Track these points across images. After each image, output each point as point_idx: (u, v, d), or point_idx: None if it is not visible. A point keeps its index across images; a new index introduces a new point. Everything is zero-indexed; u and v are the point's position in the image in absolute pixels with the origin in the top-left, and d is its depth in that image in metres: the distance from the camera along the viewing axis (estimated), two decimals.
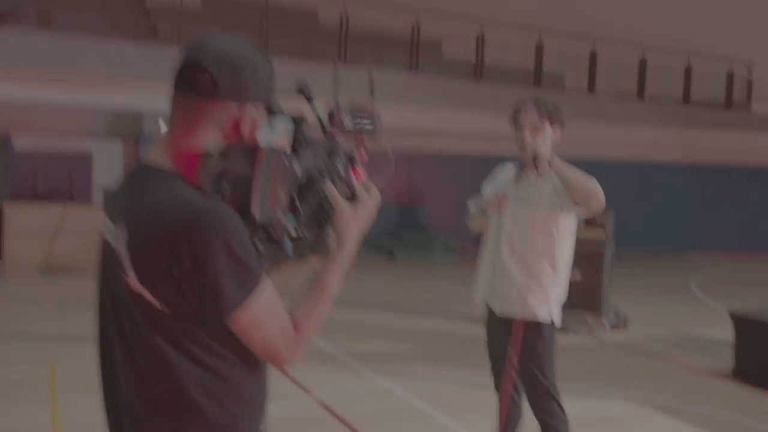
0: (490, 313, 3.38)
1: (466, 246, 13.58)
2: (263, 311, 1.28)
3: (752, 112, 14.21)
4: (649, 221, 15.05)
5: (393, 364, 5.93)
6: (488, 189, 3.46)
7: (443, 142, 14.66)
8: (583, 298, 7.01)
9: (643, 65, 12.87)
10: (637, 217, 14.15)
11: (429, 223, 14.57)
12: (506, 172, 3.43)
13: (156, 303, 1.25)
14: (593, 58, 12.40)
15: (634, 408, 5.05)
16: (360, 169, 1.53)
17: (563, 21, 12.30)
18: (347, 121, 1.51)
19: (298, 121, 1.46)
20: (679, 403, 5.19)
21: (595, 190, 3.04)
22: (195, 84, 1.32)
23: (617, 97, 12.74)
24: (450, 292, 9.68)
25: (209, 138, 1.34)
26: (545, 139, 3.18)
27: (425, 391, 5.19)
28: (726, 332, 7.32)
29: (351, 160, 1.52)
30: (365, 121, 1.55)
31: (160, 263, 1.23)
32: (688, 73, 13.38)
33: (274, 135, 1.46)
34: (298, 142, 1.45)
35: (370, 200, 1.48)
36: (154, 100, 9.53)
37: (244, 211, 1.28)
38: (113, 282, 1.33)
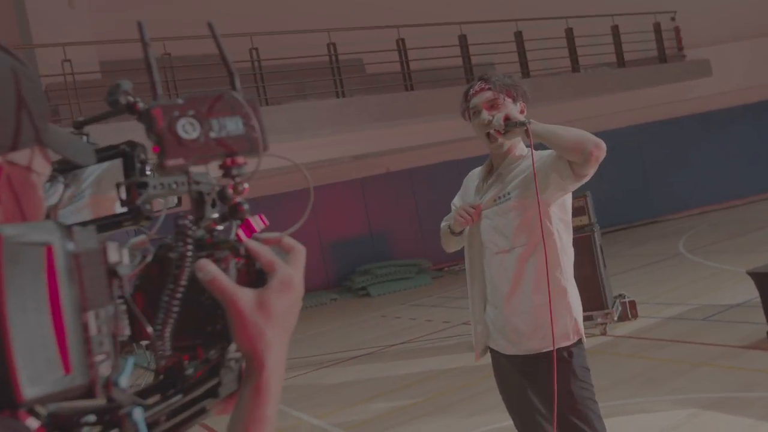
0: (495, 355, 2.63)
1: (441, 264, 12.86)
2: None
3: (687, 61, 13.96)
4: (613, 196, 14.54)
5: (399, 428, 5.04)
6: (457, 202, 2.78)
7: (388, 160, 13.94)
8: (584, 295, 6.25)
9: (570, 35, 12.44)
10: (599, 194, 13.59)
11: (396, 250, 13.73)
12: (473, 180, 2.75)
13: None
14: (520, 40, 11.90)
15: (688, 411, 4.33)
16: (252, 218, 0.75)
17: (483, 10, 11.84)
18: (190, 131, 0.69)
19: (128, 153, 0.78)
20: (732, 391, 4.49)
21: (585, 134, 2.34)
22: None
23: (553, 76, 12.29)
24: (438, 319, 8.85)
25: None
26: (511, 108, 2.51)
27: None
28: (739, 293, 6.79)
29: (231, 206, 0.74)
30: (228, 122, 0.72)
31: None
32: (616, 35, 13.02)
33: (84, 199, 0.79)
34: (132, 189, 0.71)
35: (289, 268, 0.74)
36: None
37: (1, 394, 0.54)
38: None
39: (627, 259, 10.19)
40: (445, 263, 12.92)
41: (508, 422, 2.73)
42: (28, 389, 0.54)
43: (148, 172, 0.76)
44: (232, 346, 0.75)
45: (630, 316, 6.74)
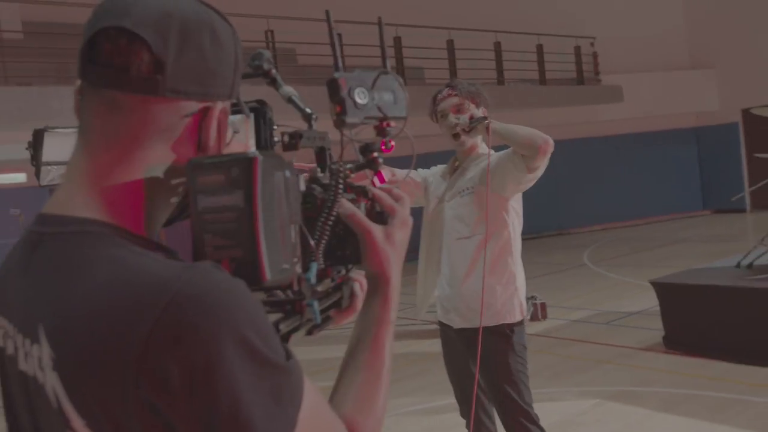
0: (445, 329, 2.89)
1: None
2: None
3: (602, 85, 14.76)
4: (525, 206, 15.19)
5: None
6: (423, 173, 3.08)
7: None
8: None
9: (498, 49, 12.93)
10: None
11: None
12: (436, 174, 3.04)
13: None
14: (451, 48, 12.29)
15: (593, 402, 4.72)
16: (384, 170, 0.96)
17: (418, 15, 12.13)
18: (362, 97, 0.87)
19: (258, 110, 0.92)
20: (631, 386, 4.92)
21: (536, 132, 2.64)
22: (121, 69, 0.75)
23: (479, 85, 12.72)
24: None
25: (156, 159, 0.79)
26: (474, 111, 2.81)
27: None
28: (638, 302, 7.34)
29: (369, 160, 0.94)
30: (384, 95, 0.91)
31: (125, 394, 0.67)
32: (540, 53, 13.63)
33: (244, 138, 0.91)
34: (296, 138, 0.88)
35: (405, 211, 0.94)
36: None
37: (247, 273, 0.72)
38: None
39: (537, 266, 10.72)
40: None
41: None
42: (270, 274, 0.72)
43: (275, 127, 0.92)
44: (352, 270, 0.93)
45: (540, 316, 7.16)
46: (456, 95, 2.81)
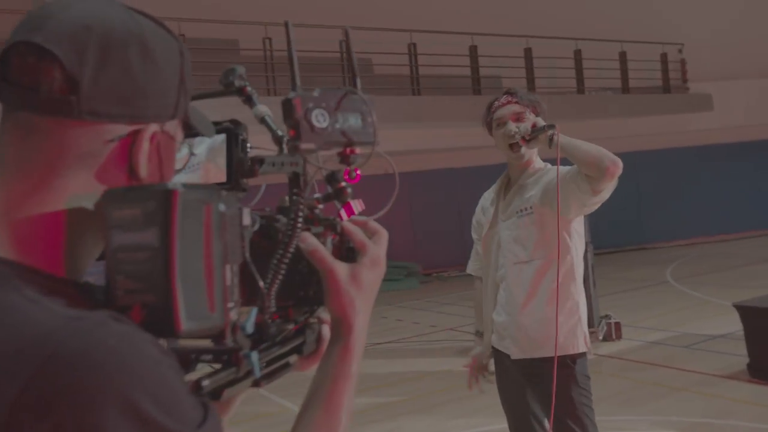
0: (499, 356, 2.73)
1: (430, 269, 12.96)
2: None
3: (690, 93, 14.13)
4: (605, 219, 14.69)
5: (380, 425, 5.12)
6: (475, 233, 2.90)
7: (387, 162, 14.02)
8: None
9: (579, 57, 12.58)
10: (592, 216, 13.63)
11: (387, 251, 13.77)
12: (486, 200, 2.85)
13: None
14: (529, 57, 12.03)
15: None
16: (353, 201, 0.86)
17: (495, 23, 11.94)
18: (321, 120, 0.79)
19: (231, 130, 0.83)
20: (709, 417, 4.60)
21: (604, 150, 2.41)
22: (31, 88, 0.68)
23: (558, 95, 12.41)
24: (425, 323, 8.94)
25: (79, 189, 0.71)
26: (537, 119, 2.57)
27: None
28: (722, 324, 6.92)
29: (336, 189, 0.85)
30: (350, 118, 0.82)
31: None
32: (623, 61, 13.18)
33: (195, 165, 0.85)
34: (238, 166, 0.82)
35: (378, 249, 0.86)
36: None
37: (160, 321, 0.64)
38: None
39: (614, 282, 10.32)
40: (434, 269, 13.02)
41: (490, 427, 2.82)
42: (186, 323, 0.63)
43: (248, 149, 0.84)
44: (317, 311, 0.85)
45: (614, 336, 6.85)
46: (516, 102, 2.63)
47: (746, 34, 14.85)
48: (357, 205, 0.86)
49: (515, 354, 2.63)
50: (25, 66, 0.67)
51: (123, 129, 0.71)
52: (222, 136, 0.84)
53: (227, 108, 1.08)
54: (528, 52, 12.07)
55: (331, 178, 0.84)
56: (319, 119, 0.78)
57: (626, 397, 5.22)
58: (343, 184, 0.84)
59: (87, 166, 0.70)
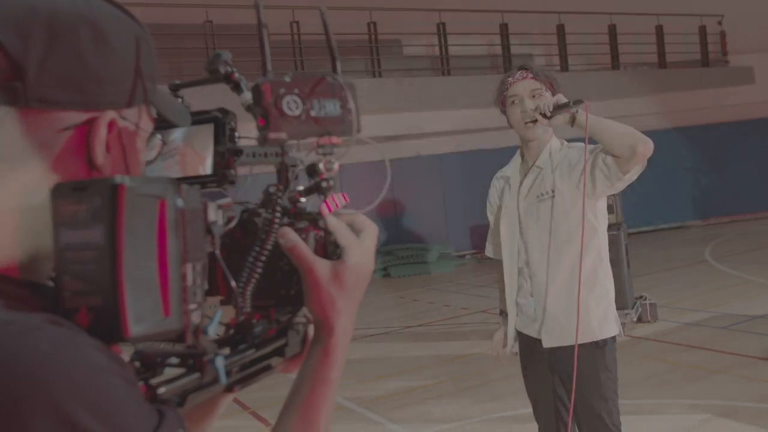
0: (526, 339, 2.66)
1: (463, 251, 12.87)
2: None
3: (730, 66, 13.72)
4: (641, 197, 14.40)
5: (410, 408, 5.09)
6: (490, 213, 2.82)
7: (418, 144, 13.94)
8: None
9: (613, 32, 12.28)
10: (627, 194, 13.37)
11: (420, 233, 13.76)
12: (507, 178, 2.73)
13: None
14: (561, 34, 11.78)
15: (701, 417, 4.32)
16: (335, 195, 0.80)
17: (526, 2, 11.71)
18: (293, 108, 0.73)
19: (219, 119, 0.79)
20: (750, 401, 4.47)
21: (633, 130, 2.31)
22: None
23: (592, 72, 12.16)
24: (456, 305, 8.88)
25: (33, 182, 0.66)
26: (558, 95, 2.40)
27: None
28: (764, 304, 6.73)
29: (317, 182, 0.79)
30: (327, 104, 0.77)
31: None
32: (660, 35, 12.83)
33: (171, 151, 0.81)
34: (229, 155, 0.77)
35: (364, 244, 0.79)
36: None
37: (106, 325, 0.60)
38: None
39: (650, 262, 10.12)
40: (467, 251, 12.92)
41: (521, 411, 2.77)
42: (134, 327, 0.59)
43: (237, 139, 0.80)
44: (302, 311, 0.80)
45: (649, 318, 6.71)
46: (533, 78, 2.49)
47: None
48: (339, 199, 0.80)
49: (547, 342, 2.56)
50: None
51: (77, 117, 0.67)
52: (197, 126, 0.80)
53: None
54: (560, 28, 11.82)
55: (312, 170, 0.79)
56: (291, 106, 0.73)
57: (661, 379, 5.11)
58: (324, 176, 0.79)
59: (42, 157, 0.66)
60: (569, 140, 2.61)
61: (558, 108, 2.33)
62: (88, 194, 0.60)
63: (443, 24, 10.89)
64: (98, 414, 0.54)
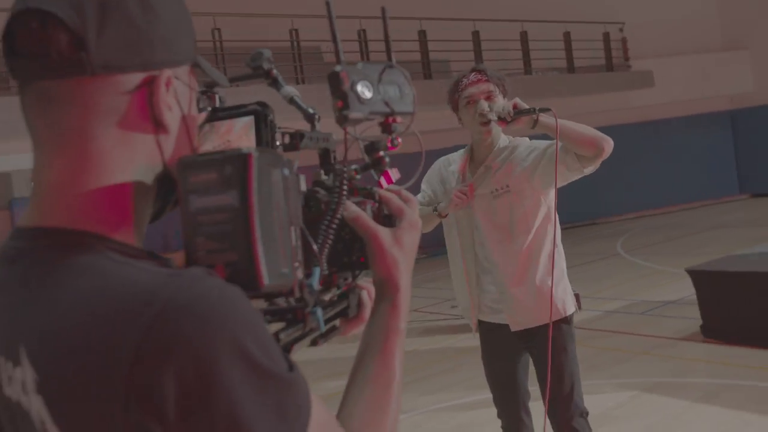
0: (489, 327, 2.78)
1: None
2: None
3: (632, 71, 14.53)
4: (559, 196, 15.00)
5: None
6: (428, 188, 2.86)
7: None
8: None
9: (525, 38, 12.80)
10: None
11: None
12: (447, 167, 2.83)
13: None
14: (477, 40, 12.19)
15: (630, 393, 4.64)
16: (391, 170, 0.90)
17: (443, 8, 12.05)
18: (366, 92, 0.82)
19: (260, 111, 0.85)
20: (668, 376, 4.84)
21: (595, 130, 2.49)
22: (41, 55, 0.68)
23: (507, 76, 12.58)
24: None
25: (119, 152, 0.72)
26: (516, 99, 2.55)
27: (408, 427, 4.54)
28: (674, 291, 7.22)
29: (375, 159, 0.89)
30: (389, 89, 0.86)
31: (114, 418, 0.60)
32: (568, 41, 13.46)
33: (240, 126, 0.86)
34: (267, 144, 0.85)
35: (414, 214, 0.89)
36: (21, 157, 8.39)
37: (243, 278, 0.67)
38: None
39: (569, 257, 10.51)
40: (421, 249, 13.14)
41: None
42: (267, 279, 0.68)
43: (277, 130, 0.87)
44: (360, 277, 0.90)
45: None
46: (487, 80, 2.60)
47: (684, 10, 15.34)
48: (394, 174, 0.90)
49: (515, 326, 2.68)
50: (30, 34, 0.67)
51: (137, 77, 0.71)
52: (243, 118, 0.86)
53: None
54: (476, 35, 12.23)
55: (371, 148, 0.89)
56: (365, 90, 0.82)
57: (591, 363, 5.42)
58: (382, 153, 0.89)
59: (113, 122, 0.71)
60: (531, 138, 2.74)
61: (519, 113, 2.46)
62: (217, 164, 0.68)
63: (364, 30, 11.07)
64: (260, 346, 0.63)
